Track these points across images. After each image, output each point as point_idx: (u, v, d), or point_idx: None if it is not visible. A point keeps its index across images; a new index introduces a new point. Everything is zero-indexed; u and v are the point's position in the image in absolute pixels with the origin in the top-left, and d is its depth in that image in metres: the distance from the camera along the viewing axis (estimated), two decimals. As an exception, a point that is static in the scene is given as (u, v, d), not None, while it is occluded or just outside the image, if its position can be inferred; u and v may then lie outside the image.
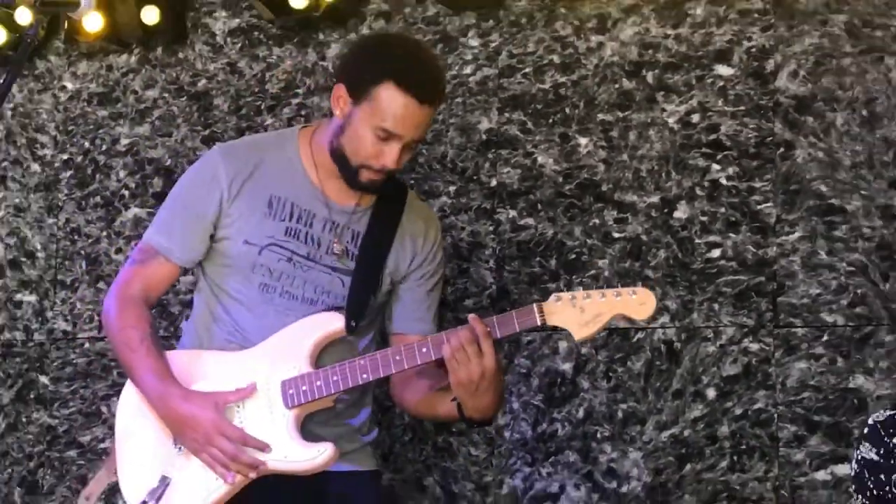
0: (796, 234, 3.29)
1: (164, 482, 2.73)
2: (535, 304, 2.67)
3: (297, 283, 2.82)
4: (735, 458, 3.27)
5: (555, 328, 2.70)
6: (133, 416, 2.86)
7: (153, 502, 2.73)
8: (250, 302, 2.83)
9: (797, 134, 3.31)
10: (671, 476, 3.35)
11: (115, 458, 2.87)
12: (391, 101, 2.70)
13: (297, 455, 2.71)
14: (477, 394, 2.67)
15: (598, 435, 3.43)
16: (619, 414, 3.42)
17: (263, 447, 2.70)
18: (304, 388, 2.72)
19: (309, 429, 2.77)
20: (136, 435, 2.84)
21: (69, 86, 4.18)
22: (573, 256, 3.51)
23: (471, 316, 2.68)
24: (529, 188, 3.58)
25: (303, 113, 3.88)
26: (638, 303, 2.64)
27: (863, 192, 3.23)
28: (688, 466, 3.33)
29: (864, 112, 3.25)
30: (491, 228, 3.61)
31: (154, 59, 4.06)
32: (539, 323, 2.65)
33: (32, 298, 4.14)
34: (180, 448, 2.78)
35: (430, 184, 3.70)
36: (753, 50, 3.38)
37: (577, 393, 3.46)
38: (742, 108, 3.37)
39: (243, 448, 2.69)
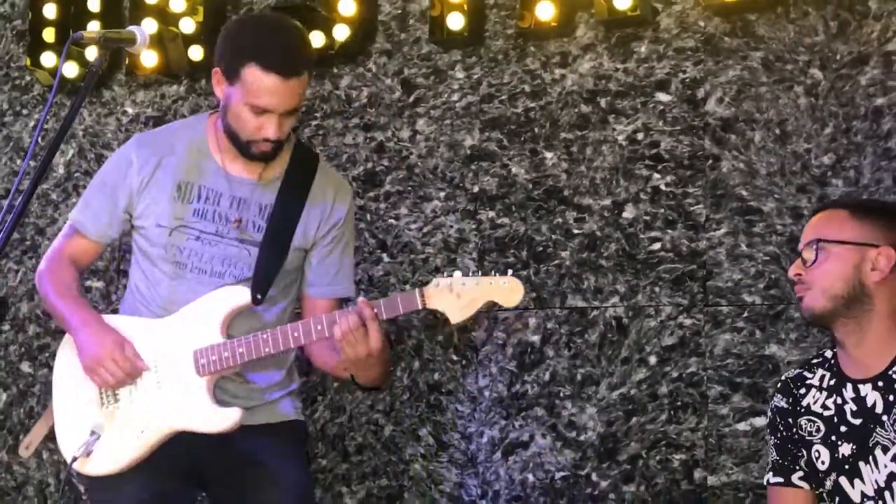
0: (722, 230, 3.44)
1: (94, 436, 2.72)
2: (417, 289, 2.62)
3: (205, 258, 2.81)
4: (672, 412, 3.43)
5: (435, 312, 2.63)
6: (69, 372, 2.82)
7: (84, 454, 2.71)
8: (167, 277, 2.82)
9: (723, 149, 3.46)
10: (620, 427, 3.50)
11: (52, 411, 2.85)
12: (256, 81, 2.64)
13: (211, 418, 2.73)
14: (365, 369, 2.68)
15: (561, 394, 3.58)
16: (578, 377, 3.57)
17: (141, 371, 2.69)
18: (213, 357, 2.71)
19: (221, 386, 2.80)
20: (71, 390, 2.81)
21: (130, 111, 4.33)
22: (540, 249, 3.66)
23: (360, 300, 2.63)
24: (505, 193, 3.73)
25: (320, 133, 4.02)
26: (509, 290, 2.56)
27: (776, 196, 3.38)
28: (634, 419, 3.48)
29: (778, 131, 3.40)
30: (474, 226, 3.76)
31: (199, 88, 4.23)
32: (420, 306, 2.58)
33: (100, 284, 4.27)
34: (107, 405, 2.76)
35: (424, 190, 3.85)
36: (687, 80, 3.53)
37: (544, 360, 3.61)
38: (678, 127, 3.52)
39: (125, 378, 2.69)
